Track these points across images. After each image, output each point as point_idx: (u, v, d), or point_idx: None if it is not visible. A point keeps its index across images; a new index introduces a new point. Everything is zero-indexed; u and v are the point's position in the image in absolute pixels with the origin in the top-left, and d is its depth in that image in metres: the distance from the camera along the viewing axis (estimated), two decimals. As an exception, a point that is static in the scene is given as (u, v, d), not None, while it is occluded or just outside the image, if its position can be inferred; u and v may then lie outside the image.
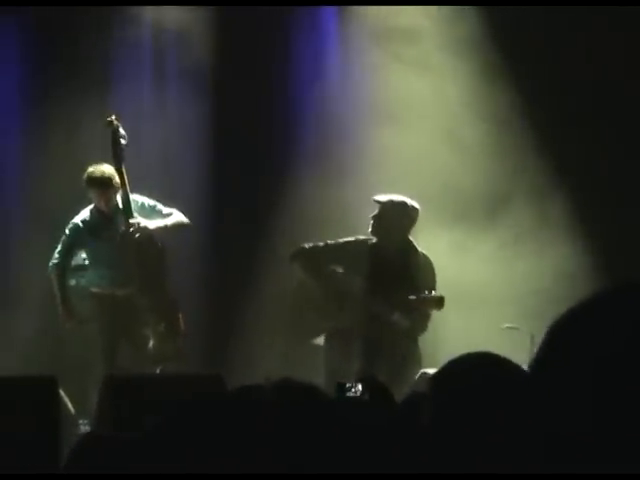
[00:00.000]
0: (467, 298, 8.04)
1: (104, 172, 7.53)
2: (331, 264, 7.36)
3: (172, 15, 9.00)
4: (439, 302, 7.15)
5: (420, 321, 7.24)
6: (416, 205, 7.34)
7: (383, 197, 7.34)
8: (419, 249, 7.38)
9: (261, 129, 8.98)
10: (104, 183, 7.53)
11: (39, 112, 8.81)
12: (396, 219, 7.28)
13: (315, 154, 8.81)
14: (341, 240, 7.43)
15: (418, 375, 6.83)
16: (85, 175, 7.58)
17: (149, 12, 8.99)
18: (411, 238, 7.38)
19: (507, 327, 7.57)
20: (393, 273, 7.24)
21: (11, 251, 8.86)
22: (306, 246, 7.45)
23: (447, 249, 8.19)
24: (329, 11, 9.26)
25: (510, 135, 8.70)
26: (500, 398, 2.58)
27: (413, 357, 7.20)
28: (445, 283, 7.41)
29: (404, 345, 7.22)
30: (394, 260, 7.29)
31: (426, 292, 7.15)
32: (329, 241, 7.45)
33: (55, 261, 7.68)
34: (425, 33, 8.82)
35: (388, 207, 7.27)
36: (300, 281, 7.53)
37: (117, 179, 7.52)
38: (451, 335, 7.61)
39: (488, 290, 8.22)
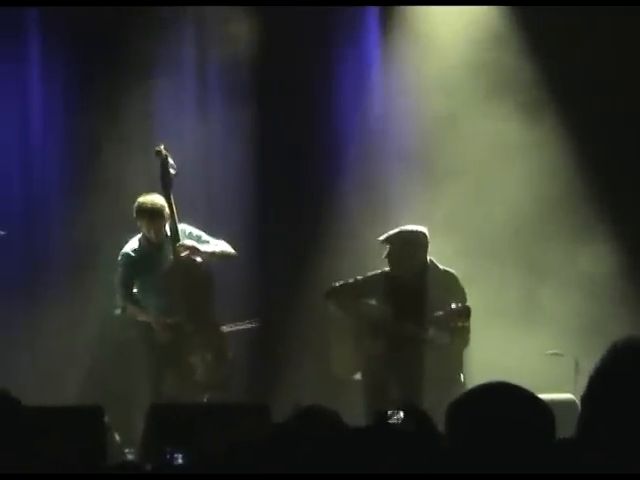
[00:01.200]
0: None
1: (155, 203, 7.63)
2: (361, 298, 7.75)
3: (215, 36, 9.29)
4: (465, 313, 7.40)
5: (459, 335, 7.48)
6: (421, 229, 7.70)
7: (384, 235, 7.75)
8: (440, 267, 7.70)
9: (304, 160, 9.37)
10: (155, 213, 7.63)
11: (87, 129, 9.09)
12: (403, 249, 7.65)
13: (358, 185, 9.23)
14: (367, 275, 7.87)
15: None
16: (136, 205, 7.69)
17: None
18: (430, 258, 7.71)
19: (552, 353, 7.87)
20: (416, 296, 7.57)
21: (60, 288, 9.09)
22: (337, 284, 7.87)
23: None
24: (372, 42, 9.57)
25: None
26: (510, 428, 2.66)
27: (456, 383, 7.38)
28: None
29: (448, 368, 7.45)
30: (413, 284, 7.64)
31: (453, 305, 7.41)
32: (357, 277, 7.88)
33: (122, 305, 7.82)
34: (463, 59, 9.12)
35: (395, 242, 7.67)
36: (336, 317, 7.89)
37: (167, 209, 7.64)
38: (499, 359, 7.88)
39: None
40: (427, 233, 7.73)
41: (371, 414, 6.75)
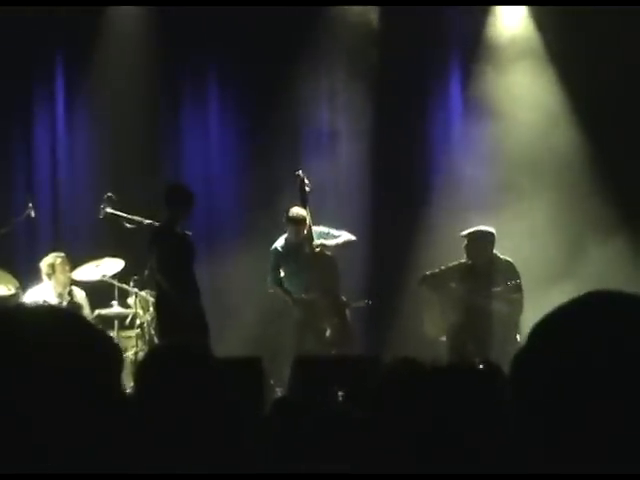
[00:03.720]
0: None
1: (298, 214, 9.98)
2: (445, 282, 9.84)
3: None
4: (517, 288, 9.60)
5: (515, 306, 9.64)
6: (492, 230, 9.81)
7: (465, 232, 9.84)
8: (502, 257, 9.81)
9: (407, 173, 11.35)
10: (299, 222, 9.98)
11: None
12: (480, 244, 9.76)
13: (445, 197, 11.17)
14: (450, 265, 9.96)
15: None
16: (286, 214, 10.01)
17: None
18: (495, 251, 9.79)
19: None
20: (485, 279, 9.71)
21: (232, 263, 10.88)
22: (427, 273, 10.03)
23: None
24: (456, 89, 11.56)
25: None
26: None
27: (515, 343, 9.36)
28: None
29: (506, 329, 9.52)
30: (484, 271, 9.75)
31: (508, 283, 9.57)
32: (441, 267, 9.97)
33: (270, 278, 10.03)
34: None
35: (473, 238, 9.79)
36: (427, 297, 9.96)
37: (306, 218, 9.93)
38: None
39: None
40: (495, 233, 9.82)
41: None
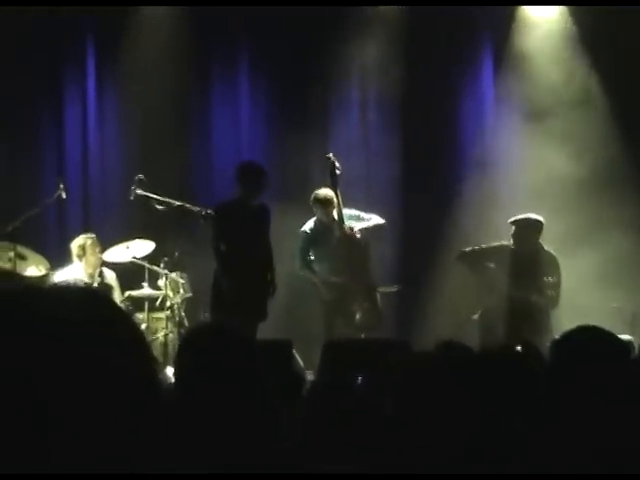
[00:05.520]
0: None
1: (327, 195, 9.96)
2: (485, 262, 9.80)
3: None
4: (555, 285, 9.53)
5: (552, 300, 9.62)
6: (540, 219, 9.72)
7: (515, 218, 9.78)
8: (546, 249, 9.73)
9: (439, 158, 11.36)
10: (326, 202, 9.94)
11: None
12: (527, 232, 9.68)
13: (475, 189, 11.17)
14: (491, 244, 9.91)
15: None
16: (313, 196, 10.01)
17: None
18: (540, 241, 9.71)
19: (614, 306, 9.85)
20: (528, 268, 9.60)
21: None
22: (467, 250, 10.00)
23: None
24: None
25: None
26: (605, 368, 3.03)
27: (547, 328, 9.42)
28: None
29: (539, 319, 9.49)
30: (528, 259, 9.64)
31: (548, 279, 9.50)
32: (482, 245, 9.93)
33: (299, 262, 10.00)
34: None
35: (521, 225, 9.72)
36: (463, 275, 9.93)
37: (335, 200, 9.92)
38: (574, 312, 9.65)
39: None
40: (543, 221, 9.67)
41: (485, 346, 8.18)
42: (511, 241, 9.78)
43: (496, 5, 11.17)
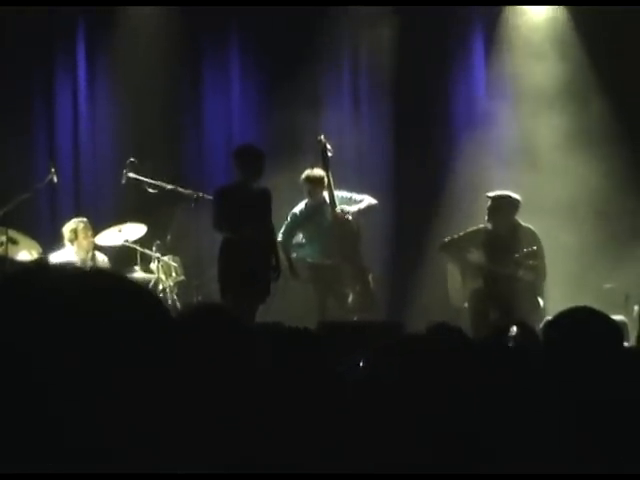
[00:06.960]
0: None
1: (316, 174, 9.98)
2: (465, 248, 9.72)
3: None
4: (533, 254, 9.47)
5: (538, 271, 9.57)
6: (517, 197, 9.67)
7: (492, 193, 9.72)
8: (523, 224, 9.69)
9: (430, 143, 11.37)
10: (315, 180, 9.94)
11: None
12: (504, 209, 9.62)
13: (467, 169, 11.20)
14: (469, 230, 9.85)
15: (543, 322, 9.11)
16: (303, 175, 10.00)
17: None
18: (516, 218, 9.66)
19: (607, 287, 9.88)
20: (509, 245, 9.58)
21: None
22: (446, 240, 9.92)
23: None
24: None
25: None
26: (599, 346, 3.05)
27: (537, 308, 9.45)
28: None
29: (529, 299, 9.49)
30: (506, 237, 9.62)
31: (529, 249, 9.47)
32: (461, 233, 9.86)
33: (280, 239, 9.86)
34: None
35: (497, 201, 9.64)
36: (448, 264, 9.92)
37: (325, 180, 9.91)
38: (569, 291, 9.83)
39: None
40: (520, 200, 9.64)
41: (478, 331, 8.60)
42: (486, 217, 9.72)
43: (494, 5, 11.33)
